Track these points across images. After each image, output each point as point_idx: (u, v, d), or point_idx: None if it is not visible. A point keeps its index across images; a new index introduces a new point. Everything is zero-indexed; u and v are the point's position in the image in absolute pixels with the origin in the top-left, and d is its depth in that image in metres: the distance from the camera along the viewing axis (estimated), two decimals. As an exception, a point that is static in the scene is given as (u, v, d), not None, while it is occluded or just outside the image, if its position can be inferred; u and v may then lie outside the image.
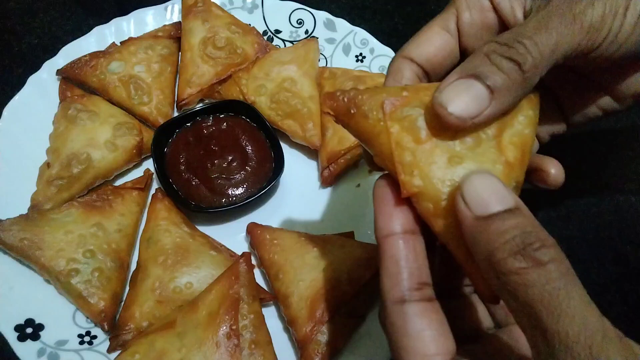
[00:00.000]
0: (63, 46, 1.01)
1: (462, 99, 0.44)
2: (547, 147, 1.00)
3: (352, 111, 0.49)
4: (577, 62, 0.52)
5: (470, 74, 0.45)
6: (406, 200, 0.46)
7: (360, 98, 0.49)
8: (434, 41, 0.59)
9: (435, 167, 0.45)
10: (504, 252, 0.38)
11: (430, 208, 0.45)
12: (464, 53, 0.61)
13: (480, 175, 0.42)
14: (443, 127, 0.46)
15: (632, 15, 0.50)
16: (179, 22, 1.06)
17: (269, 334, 0.79)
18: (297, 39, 1.09)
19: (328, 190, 0.98)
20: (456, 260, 0.46)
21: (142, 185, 0.91)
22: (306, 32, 1.09)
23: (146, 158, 0.97)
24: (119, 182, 0.94)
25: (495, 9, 0.58)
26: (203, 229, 0.91)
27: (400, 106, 0.47)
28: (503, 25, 0.58)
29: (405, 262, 0.45)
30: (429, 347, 0.42)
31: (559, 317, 0.35)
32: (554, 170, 0.57)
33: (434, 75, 0.60)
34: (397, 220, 0.46)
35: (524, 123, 0.48)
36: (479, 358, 0.47)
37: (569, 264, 0.38)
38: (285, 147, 0.97)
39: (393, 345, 0.44)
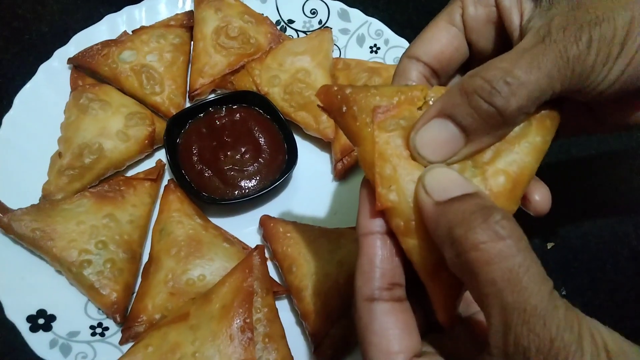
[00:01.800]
0: (74, 34, 1.00)
1: (435, 142, 0.44)
2: (560, 144, 1.00)
3: (343, 109, 0.48)
4: (574, 96, 0.49)
5: (446, 114, 0.44)
6: (381, 212, 0.47)
7: (353, 98, 0.48)
8: (440, 37, 0.57)
9: (413, 186, 0.44)
10: (463, 227, 0.38)
11: (400, 225, 0.45)
12: (471, 46, 0.59)
13: (440, 167, 0.44)
14: None
15: (620, 63, 0.47)
16: (191, 11, 1.05)
17: (282, 327, 0.79)
18: (311, 29, 1.07)
19: (341, 183, 0.97)
20: (420, 279, 0.47)
21: (154, 176, 0.90)
22: (320, 22, 1.07)
23: (158, 149, 0.96)
24: (130, 173, 0.94)
25: (497, 6, 0.56)
26: (215, 220, 0.90)
27: (391, 117, 0.46)
28: (502, 22, 0.56)
29: (380, 262, 0.46)
30: (392, 345, 0.44)
31: (519, 292, 0.36)
32: (538, 197, 0.53)
33: (442, 73, 0.59)
34: (378, 220, 0.48)
35: (526, 150, 0.45)
36: (443, 346, 0.48)
37: (527, 239, 0.38)
38: (298, 139, 0.96)
39: (360, 340, 0.46)
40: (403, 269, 0.48)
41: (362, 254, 0.48)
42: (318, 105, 0.51)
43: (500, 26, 0.57)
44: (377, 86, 0.49)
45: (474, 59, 0.60)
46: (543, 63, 0.44)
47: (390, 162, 0.45)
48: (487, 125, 0.44)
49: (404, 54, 0.59)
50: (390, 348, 0.44)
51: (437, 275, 0.46)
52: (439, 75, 0.58)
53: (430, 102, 0.47)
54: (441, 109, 0.45)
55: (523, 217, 0.94)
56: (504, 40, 0.57)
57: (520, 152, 0.45)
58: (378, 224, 0.47)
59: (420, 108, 0.47)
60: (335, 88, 0.49)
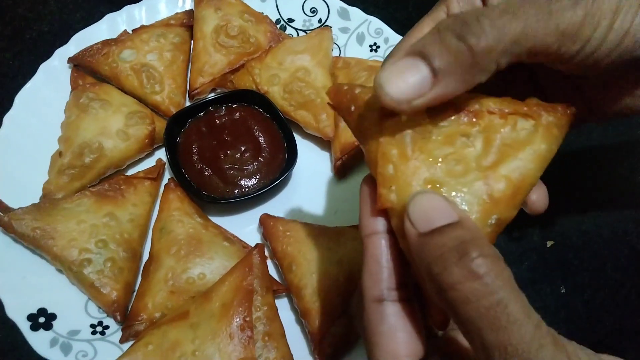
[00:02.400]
0: (74, 34, 1.00)
1: (402, 80, 0.41)
2: (562, 141, 1.00)
3: (351, 108, 0.49)
4: (561, 67, 0.47)
5: (416, 52, 0.42)
6: (381, 211, 0.47)
7: (362, 98, 0.48)
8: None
9: (412, 188, 0.44)
10: (439, 265, 0.37)
11: (399, 226, 0.45)
12: None
13: (424, 194, 0.42)
14: (429, 148, 0.45)
15: (617, 32, 0.44)
16: (191, 10, 1.05)
17: (282, 326, 0.79)
18: (311, 28, 1.07)
19: (341, 181, 0.97)
20: (417, 280, 0.46)
21: (155, 175, 0.91)
22: (319, 21, 1.07)
23: (158, 148, 0.97)
24: (131, 172, 0.94)
25: (484, 2, 0.55)
26: (215, 219, 0.90)
27: (397, 120, 0.45)
28: None
29: (386, 262, 0.45)
30: (400, 348, 0.43)
31: (497, 331, 0.35)
32: (535, 197, 0.52)
33: None
34: (381, 219, 0.47)
35: (530, 157, 0.45)
36: (445, 353, 0.48)
37: (509, 273, 0.37)
38: (297, 138, 0.96)
39: (367, 341, 0.45)
40: (406, 271, 0.47)
41: (367, 255, 0.47)
42: (328, 103, 0.51)
43: None
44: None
45: None
46: (520, 11, 0.42)
47: (392, 162, 0.45)
48: (456, 65, 0.41)
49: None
50: (399, 351, 0.44)
51: None
52: None
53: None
54: (412, 47, 0.43)
55: (523, 215, 0.94)
56: None
57: (524, 158, 0.44)
58: (381, 223, 0.47)
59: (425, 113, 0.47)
60: (346, 87, 0.49)
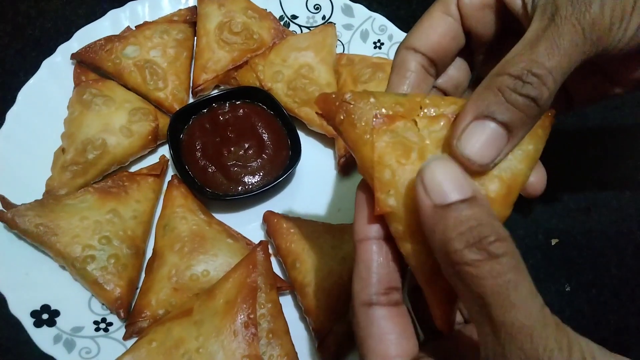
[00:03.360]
0: (77, 30, 1.00)
1: (482, 145, 0.43)
2: (566, 140, 0.99)
3: (341, 116, 0.48)
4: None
5: (485, 115, 0.44)
6: (379, 217, 0.47)
7: (352, 106, 0.48)
8: (436, 27, 0.57)
9: (411, 191, 0.44)
10: (460, 243, 0.39)
11: (399, 230, 0.46)
12: (468, 35, 0.59)
13: (439, 161, 0.42)
14: (424, 152, 0.45)
15: (637, 17, 0.48)
16: (195, 7, 1.05)
17: (286, 323, 0.79)
18: (314, 24, 1.07)
19: (345, 179, 0.96)
20: (419, 283, 0.47)
21: (158, 171, 0.90)
22: (323, 17, 1.07)
23: (161, 144, 0.96)
24: (134, 169, 0.94)
25: None
26: (219, 216, 0.90)
27: (391, 123, 0.46)
28: (501, 3, 0.56)
29: (376, 268, 0.47)
30: (390, 349, 0.45)
31: (506, 308, 0.37)
32: (532, 179, 0.52)
33: (440, 62, 0.58)
34: (375, 225, 0.48)
35: (519, 157, 0.47)
36: (441, 354, 0.48)
37: (520, 256, 0.39)
38: (301, 135, 0.96)
39: (359, 345, 0.47)
40: (400, 274, 0.49)
41: (358, 260, 0.48)
42: (317, 113, 0.51)
43: (498, 9, 0.57)
44: (375, 93, 0.49)
45: (471, 46, 0.61)
46: (561, 44, 0.45)
47: (389, 167, 0.45)
48: (527, 117, 0.44)
49: (400, 45, 0.59)
50: (388, 352, 0.45)
51: (435, 280, 0.46)
52: (436, 64, 0.58)
53: (427, 112, 0.48)
54: (478, 111, 0.44)
55: (528, 214, 0.94)
56: (503, 22, 0.58)
57: (514, 159, 0.46)
58: (374, 229, 0.48)
59: (417, 120, 0.47)
60: (333, 95, 0.49)
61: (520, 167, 0.46)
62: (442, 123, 0.47)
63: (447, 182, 0.41)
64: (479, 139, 0.43)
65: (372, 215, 0.48)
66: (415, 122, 0.47)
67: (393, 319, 0.46)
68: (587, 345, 0.38)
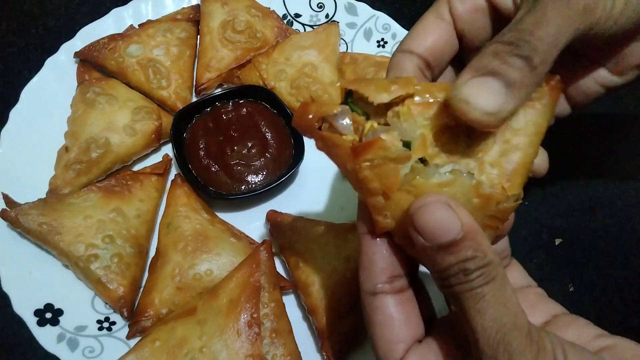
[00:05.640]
0: (81, 28, 0.99)
1: (483, 94, 0.43)
2: (570, 139, 0.99)
3: (319, 144, 0.48)
4: (575, 43, 0.51)
5: (484, 72, 0.45)
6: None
7: (328, 136, 0.46)
8: (431, 31, 0.59)
9: (404, 214, 0.45)
10: (449, 278, 0.44)
11: (403, 242, 0.48)
12: (461, 39, 0.61)
13: (428, 206, 0.43)
14: (415, 180, 0.45)
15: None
16: (198, 5, 1.04)
17: (289, 322, 0.79)
18: (317, 23, 1.07)
19: (348, 178, 0.96)
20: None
21: (161, 170, 0.90)
22: (326, 16, 1.07)
23: (165, 143, 0.96)
24: (137, 167, 0.93)
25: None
26: (222, 215, 0.90)
27: (370, 149, 0.44)
28: (493, 7, 0.58)
29: (379, 260, 0.49)
30: (394, 334, 0.48)
31: (477, 315, 0.43)
32: (535, 161, 0.53)
33: (435, 65, 0.60)
34: None
35: (524, 134, 0.47)
36: (448, 337, 0.50)
37: (498, 271, 0.43)
38: (304, 134, 0.95)
39: (368, 332, 0.50)
40: (404, 262, 0.50)
41: (362, 253, 0.51)
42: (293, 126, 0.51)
43: (489, 13, 0.59)
44: (372, 81, 0.47)
45: (464, 51, 0.62)
46: (547, 15, 0.47)
47: (379, 194, 0.45)
48: (522, 76, 0.45)
49: (396, 50, 0.60)
50: (392, 337, 0.48)
51: None
52: (432, 68, 0.59)
53: (419, 100, 0.47)
54: (476, 69, 0.45)
55: (532, 213, 0.93)
56: (494, 25, 0.60)
57: (518, 137, 0.47)
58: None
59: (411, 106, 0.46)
60: (310, 116, 0.47)
61: (526, 148, 0.46)
62: (435, 109, 0.46)
63: (436, 226, 0.43)
64: (479, 89, 0.44)
65: (374, 232, 0.49)
66: (399, 147, 0.45)
67: (397, 306, 0.49)
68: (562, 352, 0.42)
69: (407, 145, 0.45)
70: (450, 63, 0.62)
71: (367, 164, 0.44)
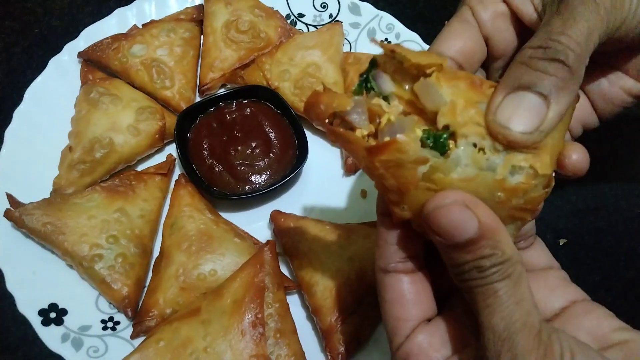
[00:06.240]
0: (84, 28, 0.99)
1: (520, 113, 0.43)
2: (574, 140, 0.99)
3: (332, 138, 0.47)
4: (601, 47, 0.50)
5: (517, 87, 0.44)
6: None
7: (347, 144, 0.45)
8: (459, 34, 0.59)
9: (421, 205, 0.44)
10: (462, 273, 0.44)
11: (420, 229, 0.47)
12: (487, 45, 0.61)
13: (442, 208, 0.42)
14: (434, 176, 0.43)
15: None
16: (201, 5, 1.04)
17: (293, 323, 0.79)
18: (321, 23, 1.06)
19: (351, 178, 0.96)
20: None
21: (165, 170, 0.90)
22: (330, 16, 1.07)
23: (168, 143, 0.96)
24: (141, 167, 0.93)
25: (507, 4, 0.59)
26: (226, 215, 0.90)
27: (384, 151, 0.43)
28: (515, 16, 0.58)
29: (393, 240, 0.49)
30: (401, 313, 0.49)
31: (486, 310, 0.43)
32: (576, 156, 0.51)
33: (468, 67, 0.59)
34: None
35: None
36: (458, 317, 0.51)
37: (515, 268, 0.43)
38: (308, 134, 0.95)
39: (381, 309, 0.51)
40: (418, 242, 0.50)
41: (379, 232, 0.51)
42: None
43: (511, 19, 0.59)
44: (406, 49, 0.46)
45: (491, 56, 0.62)
46: (575, 14, 0.46)
47: (395, 190, 0.44)
48: (559, 81, 0.44)
49: None
50: (400, 315, 0.49)
51: None
52: (464, 70, 0.59)
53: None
54: (508, 84, 0.44)
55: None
56: (518, 33, 0.59)
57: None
58: None
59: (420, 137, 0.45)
60: (322, 107, 0.46)
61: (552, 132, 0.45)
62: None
63: (452, 226, 0.42)
64: (517, 109, 0.43)
65: (391, 222, 0.49)
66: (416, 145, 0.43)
67: (408, 285, 0.49)
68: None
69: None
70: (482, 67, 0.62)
71: (382, 165, 0.43)
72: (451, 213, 0.42)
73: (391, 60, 0.47)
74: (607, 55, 0.60)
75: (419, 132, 0.43)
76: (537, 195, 0.44)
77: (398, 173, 0.43)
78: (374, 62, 0.47)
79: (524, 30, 0.59)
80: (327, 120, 0.46)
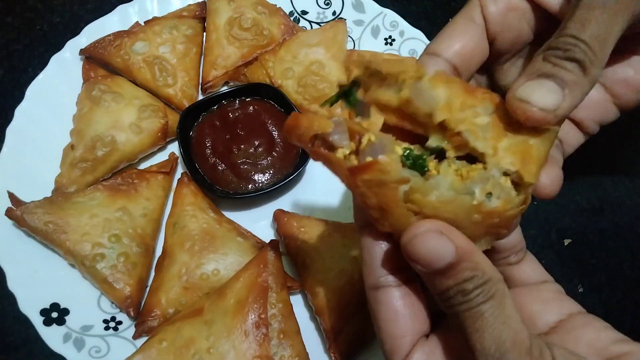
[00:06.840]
0: (86, 25, 0.99)
1: (542, 91, 0.44)
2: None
3: (314, 158, 0.47)
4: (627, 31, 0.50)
5: (538, 75, 0.45)
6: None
7: (330, 157, 0.45)
8: (460, 34, 0.57)
9: (405, 224, 0.44)
10: (448, 299, 0.44)
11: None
12: (492, 44, 0.59)
13: (417, 237, 0.43)
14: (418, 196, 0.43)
15: None
16: (204, 2, 1.03)
17: (297, 323, 0.78)
18: (325, 20, 1.06)
19: (355, 177, 0.95)
20: None
21: (168, 169, 0.90)
22: (334, 13, 1.06)
23: (171, 141, 0.95)
24: (143, 166, 0.93)
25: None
26: (228, 214, 0.89)
27: (365, 170, 0.43)
28: (534, 4, 0.57)
29: (379, 254, 0.48)
30: (398, 329, 0.47)
31: (476, 334, 0.42)
32: (544, 180, 0.51)
33: (464, 70, 0.58)
34: None
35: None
36: (454, 332, 0.49)
37: (497, 288, 0.43)
38: (312, 133, 0.95)
39: (374, 327, 0.49)
40: None
41: (363, 247, 0.49)
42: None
43: (523, 11, 0.58)
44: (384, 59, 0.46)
45: (494, 56, 0.60)
46: (591, 14, 0.46)
47: (377, 208, 0.44)
48: (576, 78, 0.45)
49: (423, 52, 0.58)
50: (397, 332, 0.47)
51: None
52: (459, 73, 0.57)
53: None
54: (531, 73, 0.46)
55: (541, 213, 0.93)
56: (536, 23, 0.59)
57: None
58: None
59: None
60: (301, 132, 0.46)
61: (537, 142, 0.45)
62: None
63: (428, 254, 0.42)
64: (537, 87, 0.44)
65: (376, 232, 0.48)
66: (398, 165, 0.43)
67: (401, 299, 0.48)
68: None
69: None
70: (480, 69, 0.61)
71: (364, 184, 0.43)
72: (427, 240, 0.42)
73: (373, 73, 0.48)
74: (631, 42, 0.58)
75: (399, 150, 0.44)
76: (513, 214, 0.45)
77: (380, 192, 0.43)
78: (355, 82, 0.48)
79: (543, 23, 0.58)
80: (309, 144, 0.46)
